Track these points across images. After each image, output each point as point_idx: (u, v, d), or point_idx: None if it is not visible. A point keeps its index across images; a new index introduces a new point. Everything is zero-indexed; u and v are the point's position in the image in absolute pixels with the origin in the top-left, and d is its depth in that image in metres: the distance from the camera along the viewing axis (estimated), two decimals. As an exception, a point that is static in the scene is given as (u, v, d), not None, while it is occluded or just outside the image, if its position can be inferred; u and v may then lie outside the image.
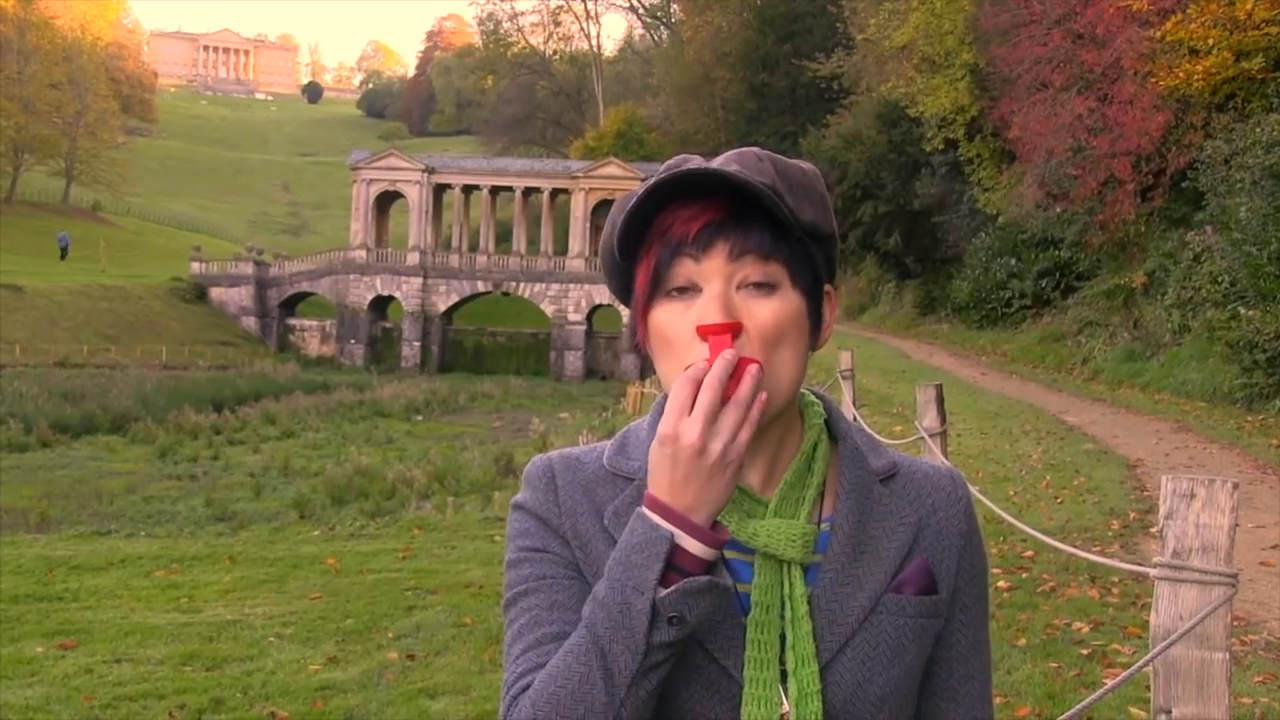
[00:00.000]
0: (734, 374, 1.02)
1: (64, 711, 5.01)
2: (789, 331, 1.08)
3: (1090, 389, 18.55)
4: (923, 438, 5.91)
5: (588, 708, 1.00)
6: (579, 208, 55.02)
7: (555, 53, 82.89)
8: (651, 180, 1.07)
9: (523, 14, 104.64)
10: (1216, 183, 16.79)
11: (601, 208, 54.31)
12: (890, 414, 15.02)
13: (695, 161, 1.09)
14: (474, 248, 56.68)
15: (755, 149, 1.14)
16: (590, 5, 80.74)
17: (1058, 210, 22.70)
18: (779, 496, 1.11)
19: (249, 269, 54.02)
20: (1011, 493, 9.50)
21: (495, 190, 57.31)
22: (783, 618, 1.09)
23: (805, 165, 1.16)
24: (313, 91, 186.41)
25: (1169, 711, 2.16)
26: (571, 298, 53.68)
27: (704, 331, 1.05)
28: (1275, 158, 15.06)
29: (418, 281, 53.77)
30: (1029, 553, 7.33)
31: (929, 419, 5.92)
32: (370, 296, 53.52)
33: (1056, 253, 24.86)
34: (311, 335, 54.46)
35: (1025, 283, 25.84)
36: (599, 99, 76.10)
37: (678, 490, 1.00)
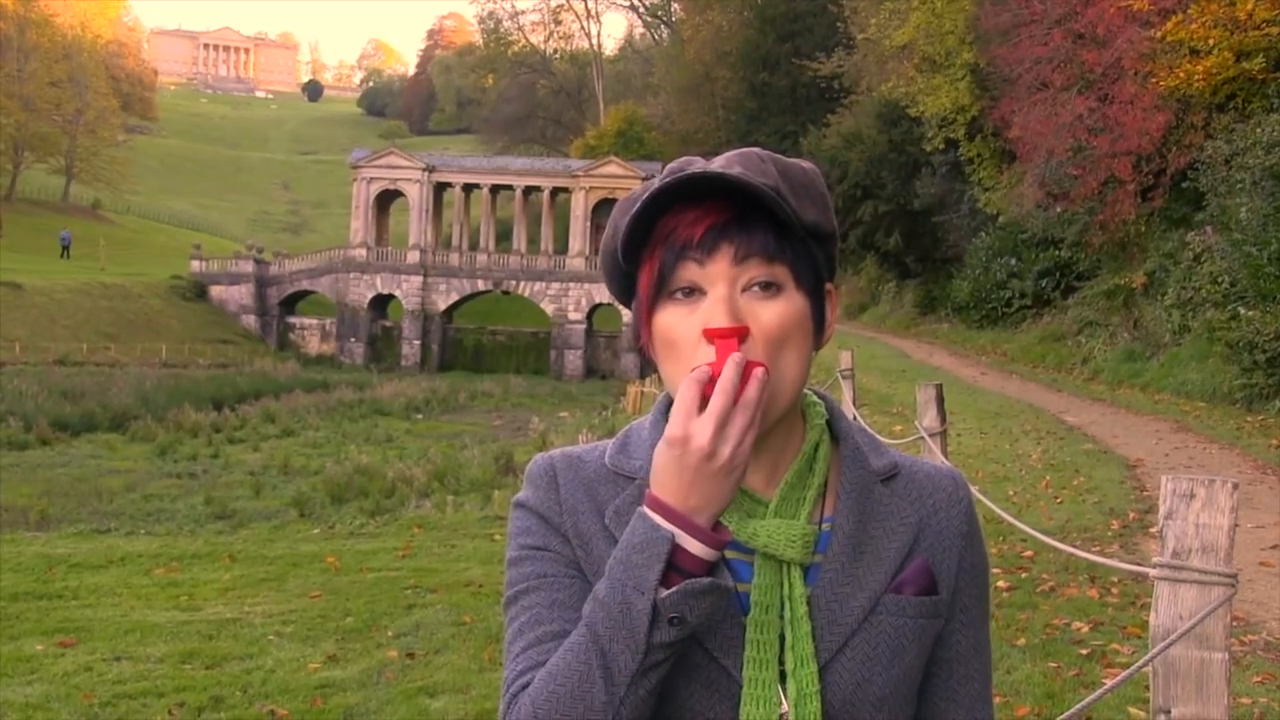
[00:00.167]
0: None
1: (64, 709, 5.01)
2: (793, 334, 1.09)
3: (1090, 389, 18.56)
4: (923, 437, 5.91)
5: (587, 706, 1.00)
6: (579, 207, 55.01)
7: (556, 51, 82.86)
8: (655, 184, 1.07)
9: (523, 13, 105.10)
10: (1217, 183, 16.78)
11: (602, 207, 54.30)
12: (890, 413, 15.02)
13: (698, 164, 1.09)
14: (474, 246, 56.67)
15: (757, 149, 1.14)
16: (591, 4, 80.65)
17: (1058, 210, 22.69)
18: (780, 497, 1.11)
19: (249, 267, 54.00)
20: (1011, 492, 9.50)
21: (495, 189, 57.29)
22: (782, 618, 1.09)
23: (806, 165, 1.16)
24: (313, 90, 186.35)
25: (1168, 711, 2.16)
26: (571, 297, 53.68)
27: (711, 335, 1.05)
28: (1276, 158, 15.05)
29: (418, 280, 53.76)
30: (1029, 552, 7.33)
31: (929, 419, 5.92)
32: (370, 295, 53.52)
33: (1057, 253, 24.85)
34: (311, 334, 54.45)
35: (1025, 282, 25.84)
36: (599, 98, 76.08)
37: (684, 492, 1.00)
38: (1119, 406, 15.97)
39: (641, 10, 78.09)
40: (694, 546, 1.01)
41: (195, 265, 54.72)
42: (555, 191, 56.59)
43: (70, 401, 29.96)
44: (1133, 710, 4.45)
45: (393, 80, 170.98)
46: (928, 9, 28.96)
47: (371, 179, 55.07)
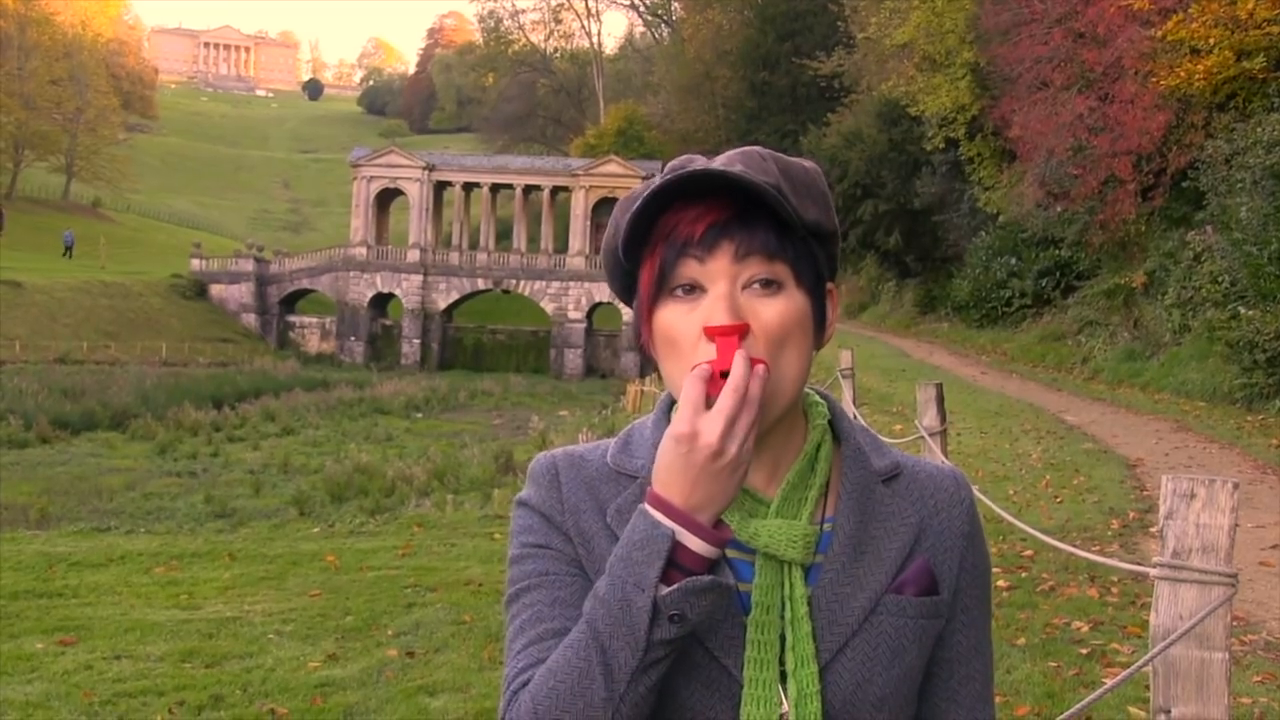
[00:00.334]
0: None
1: (63, 708, 5.01)
2: (794, 332, 1.08)
3: (1090, 388, 18.56)
4: (923, 437, 5.91)
5: (587, 703, 1.00)
6: (579, 205, 55.00)
7: (556, 50, 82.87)
8: (656, 181, 1.07)
9: (523, 11, 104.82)
10: (1217, 182, 16.78)
11: (602, 205, 54.29)
12: (890, 413, 15.02)
13: (699, 162, 1.09)
14: (474, 245, 56.67)
15: (758, 148, 1.14)
16: (591, 3, 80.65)
17: (1058, 209, 22.69)
18: (781, 497, 1.11)
19: (249, 266, 53.99)
20: (1011, 492, 9.50)
21: (496, 188, 57.29)
22: (783, 618, 1.09)
23: (808, 164, 1.16)
24: (313, 88, 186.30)
25: (1168, 711, 2.16)
26: (571, 295, 53.67)
27: (711, 333, 1.05)
28: (1276, 157, 15.04)
29: (418, 279, 53.76)
30: (1029, 552, 7.33)
31: (929, 418, 5.92)
32: (370, 294, 53.51)
33: (1057, 252, 24.86)
34: (311, 332, 54.45)
35: (1025, 282, 25.84)
36: (600, 97, 76.09)
37: (688, 489, 1.00)
38: (1119, 406, 15.97)
39: (642, 9, 78.11)
40: (695, 544, 1.01)
41: (195, 264, 54.70)
42: (555, 190, 56.59)
43: (70, 400, 29.96)
44: (1133, 710, 4.45)
45: (393, 79, 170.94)
46: (928, 8, 28.97)
47: (372, 178, 55.06)
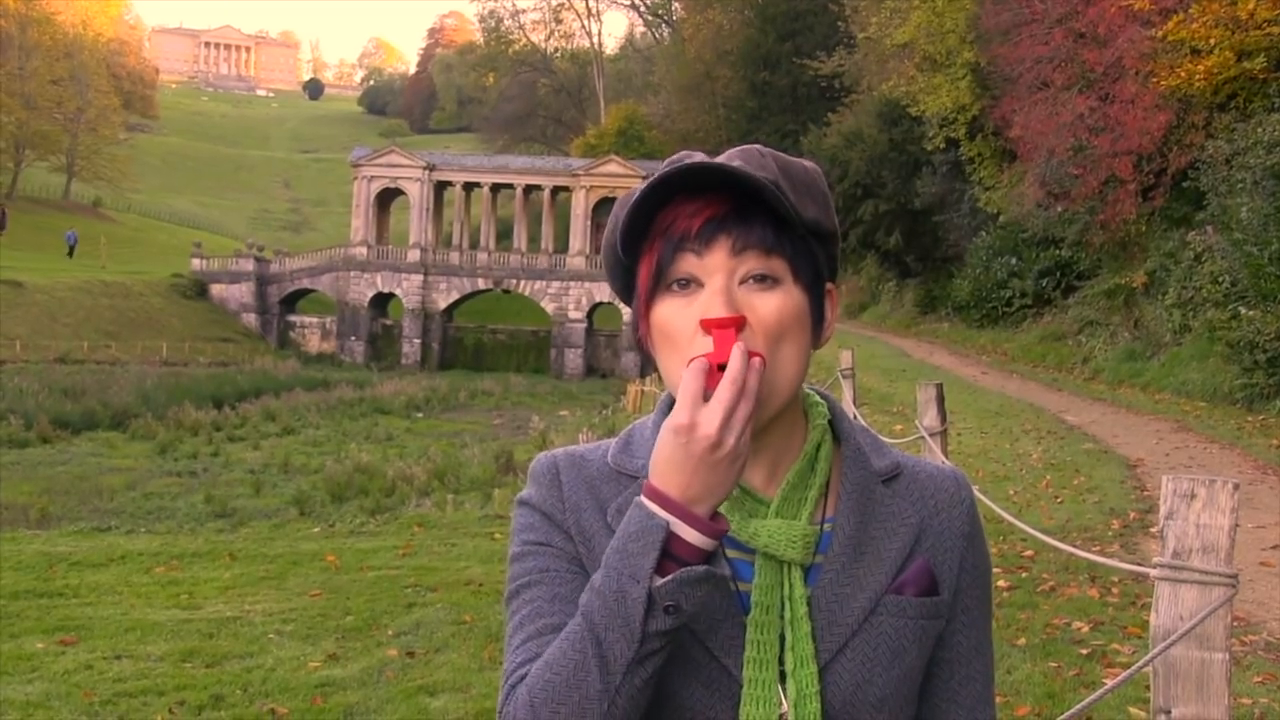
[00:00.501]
0: None
1: (64, 708, 5.01)
2: (791, 327, 1.08)
3: (1090, 388, 18.55)
4: (923, 437, 5.91)
5: (583, 695, 1.00)
6: (580, 205, 55.02)
7: (556, 50, 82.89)
8: (655, 175, 1.07)
9: (524, 11, 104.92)
10: (1218, 182, 16.77)
11: (602, 205, 54.31)
12: (890, 413, 15.02)
13: (698, 157, 1.09)
14: (475, 245, 56.68)
15: (758, 146, 1.15)
16: (592, 3, 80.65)
17: (1058, 209, 22.69)
18: (781, 497, 1.11)
19: (249, 265, 54.01)
20: (1011, 492, 9.50)
21: (496, 188, 57.30)
22: (782, 618, 1.09)
23: (807, 163, 1.16)
24: (314, 88, 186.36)
25: (1169, 711, 2.16)
26: (572, 295, 53.68)
27: (708, 325, 1.05)
28: (1276, 158, 15.04)
29: (418, 279, 53.77)
30: (1029, 552, 7.33)
31: (929, 418, 5.92)
32: (371, 293, 53.53)
33: (1057, 252, 24.85)
34: (312, 332, 54.47)
35: (1026, 282, 25.83)
36: (600, 97, 76.11)
37: (685, 481, 1.00)
38: (1119, 406, 15.97)
39: (642, 9, 78.13)
40: (691, 535, 1.00)
41: (196, 263, 54.73)
42: (556, 190, 56.61)
43: (71, 399, 29.97)
44: (1133, 710, 4.45)
45: (393, 79, 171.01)
46: (928, 8, 28.97)
47: (372, 177, 55.08)
